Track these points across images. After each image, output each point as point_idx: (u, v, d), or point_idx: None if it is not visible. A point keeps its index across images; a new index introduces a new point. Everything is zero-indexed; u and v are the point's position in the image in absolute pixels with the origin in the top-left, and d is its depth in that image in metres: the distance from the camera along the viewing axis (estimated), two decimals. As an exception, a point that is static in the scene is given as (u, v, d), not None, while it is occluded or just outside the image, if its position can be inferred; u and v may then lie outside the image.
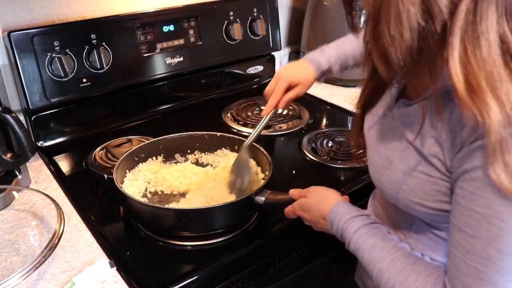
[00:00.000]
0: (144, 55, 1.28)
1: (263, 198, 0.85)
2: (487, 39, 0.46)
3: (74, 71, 1.16)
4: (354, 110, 0.81)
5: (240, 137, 1.06)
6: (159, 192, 0.96)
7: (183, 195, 0.96)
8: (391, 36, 0.49)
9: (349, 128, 1.33)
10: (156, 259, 0.83)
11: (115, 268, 0.78)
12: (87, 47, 1.17)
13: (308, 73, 1.00)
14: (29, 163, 1.04)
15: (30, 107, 1.14)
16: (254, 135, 0.99)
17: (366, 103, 0.76)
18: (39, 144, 1.18)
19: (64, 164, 1.13)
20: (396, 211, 0.71)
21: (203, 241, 0.85)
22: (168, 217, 0.85)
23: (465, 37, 0.46)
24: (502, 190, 0.47)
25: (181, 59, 1.35)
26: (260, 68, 1.57)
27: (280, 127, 1.31)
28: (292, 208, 0.82)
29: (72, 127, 1.23)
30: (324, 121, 1.39)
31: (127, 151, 0.99)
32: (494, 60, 0.46)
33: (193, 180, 0.99)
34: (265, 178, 0.93)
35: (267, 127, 1.29)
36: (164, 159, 1.06)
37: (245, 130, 1.28)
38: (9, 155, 0.94)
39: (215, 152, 1.08)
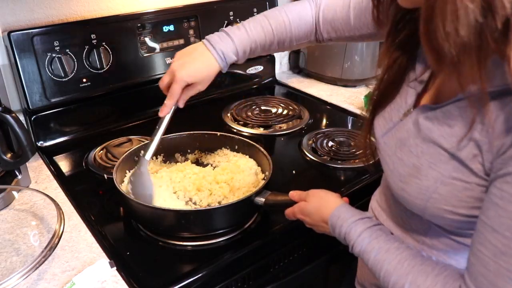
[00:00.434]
0: (144, 55, 1.28)
1: (263, 199, 0.85)
2: None
3: (74, 71, 1.16)
4: (364, 112, 0.79)
5: (240, 137, 1.06)
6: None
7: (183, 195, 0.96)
8: (446, 32, 0.48)
9: (349, 128, 1.33)
10: (156, 259, 0.83)
11: (115, 268, 0.78)
12: (87, 47, 1.17)
13: (211, 68, 0.85)
14: (29, 163, 1.04)
15: (30, 107, 1.14)
16: (155, 143, 0.89)
17: (379, 100, 0.73)
18: (39, 144, 1.19)
19: (64, 164, 1.13)
20: (409, 218, 0.70)
21: (203, 241, 0.85)
22: (168, 217, 0.85)
23: None
24: None
25: (181, 59, 1.35)
26: (260, 68, 1.57)
27: (280, 127, 1.31)
28: (293, 212, 0.82)
29: (72, 127, 1.23)
30: (324, 121, 1.39)
31: (127, 151, 0.99)
32: None
33: (193, 180, 0.99)
34: (265, 178, 0.93)
35: (267, 127, 1.30)
36: (164, 159, 1.06)
37: (245, 130, 1.28)
38: (9, 155, 0.94)
39: (215, 152, 1.08)
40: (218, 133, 1.07)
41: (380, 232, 0.68)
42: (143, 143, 1.03)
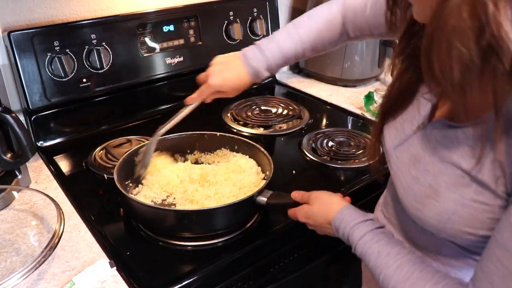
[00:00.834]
0: (144, 55, 1.28)
1: (265, 199, 0.85)
2: None
3: (74, 71, 1.16)
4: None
5: (240, 137, 1.06)
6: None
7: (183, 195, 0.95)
8: (441, 69, 0.47)
9: (349, 128, 1.33)
10: (156, 259, 0.83)
11: (115, 268, 0.78)
12: (87, 47, 1.17)
13: (241, 82, 0.91)
14: (29, 163, 1.04)
15: (30, 107, 1.14)
16: (172, 123, 0.93)
17: (389, 108, 0.70)
18: (39, 144, 1.18)
19: (64, 164, 1.13)
20: (421, 233, 0.67)
21: (204, 241, 0.85)
22: (169, 217, 0.85)
23: None
24: None
25: (181, 59, 1.35)
26: (260, 68, 1.57)
27: (280, 127, 1.31)
28: (295, 214, 0.82)
29: (72, 127, 1.23)
30: (324, 121, 1.39)
31: (127, 151, 0.99)
32: None
33: (193, 179, 0.98)
34: (266, 178, 0.93)
35: (267, 127, 1.30)
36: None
37: (245, 130, 1.28)
38: (9, 155, 0.94)
39: (214, 152, 1.08)
40: (218, 133, 1.07)
41: (382, 235, 0.68)
42: (143, 143, 1.03)
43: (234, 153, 1.05)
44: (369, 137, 1.20)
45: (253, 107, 1.41)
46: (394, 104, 0.69)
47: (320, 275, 1.07)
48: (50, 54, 1.12)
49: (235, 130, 1.28)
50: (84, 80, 1.18)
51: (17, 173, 1.00)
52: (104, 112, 1.28)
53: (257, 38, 1.48)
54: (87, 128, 1.25)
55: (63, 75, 1.14)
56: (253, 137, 1.22)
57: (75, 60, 1.15)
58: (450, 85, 0.47)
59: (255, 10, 1.46)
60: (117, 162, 0.96)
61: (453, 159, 0.57)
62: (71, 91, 1.18)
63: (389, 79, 1.72)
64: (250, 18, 1.45)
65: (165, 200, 0.93)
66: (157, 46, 1.30)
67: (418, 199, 0.61)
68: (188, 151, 1.08)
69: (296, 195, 0.83)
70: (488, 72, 0.45)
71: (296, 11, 1.71)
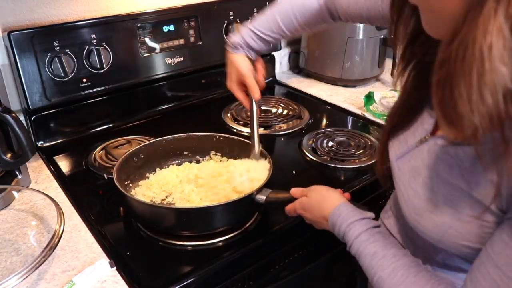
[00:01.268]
0: (144, 55, 1.28)
1: (264, 197, 0.85)
2: None
3: (74, 71, 1.16)
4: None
5: (240, 138, 1.06)
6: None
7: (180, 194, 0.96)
8: (470, 100, 0.41)
9: (349, 128, 1.33)
10: (156, 259, 0.83)
11: (115, 268, 0.78)
12: (87, 47, 1.17)
13: (242, 64, 0.96)
14: (29, 163, 1.04)
15: (30, 107, 1.14)
16: (256, 135, 0.98)
17: (394, 125, 0.70)
18: (39, 144, 1.19)
19: (64, 164, 1.13)
20: (421, 239, 0.66)
21: (203, 241, 0.85)
22: (168, 216, 0.85)
23: None
24: None
25: (181, 59, 1.35)
26: (260, 68, 1.57)
27: (280, 127, 1.31)
28: (293, 207, 0.82)
29: (72, 127, 1.23)
30: (324, 121, 1.39)
31: (126, 152, 0.99)
32: None
33: (192, 179, 0.99)
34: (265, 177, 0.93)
35: (267, 127, 1.30)
36: (163, 161, 1.06)
37: (245, 130, 1.27)
38: (9, 155, 0.94)
39: (212, 153, 1.08)
40: (217, 135, 1.07)
41: (378, 235, 0.67)
42: (142, 144, 1.03)
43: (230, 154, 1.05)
44: (369, 137, 1.21)
45: (253, 107, 1.40)
46: (401, 116, 0.70)
47: (321, 275, 1.07)
48: (50, 54, 1.12)
49: (235, 130, 1.28)
50: (84, 80, 1.18)
51: (17, 173, 1.00)
52: (104, 112, 1.28)
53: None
54: (87, 128, 1.25)
55: (63, 75, 1.14)
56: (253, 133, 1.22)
57: (75, 60, 1.15)
58: (477, 119, 0.42)
59: (255, 10, 1.46)
60: (116, 162, 0.96)
61: (450, 175, 0.57)
62: (71, 91, 1.18)
63: (388, 78, 1.72)
64: (250, 18, 1.45)
65: (164, 199, 0.93)
66: (157, 46, 1.30)
67: (417, 211, 0.62)
68: (188, 152, 1.08)
69: (295, 191, 0.83)
70: None
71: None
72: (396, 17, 0.61)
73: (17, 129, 0.89)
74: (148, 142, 1.05)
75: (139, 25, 1.25)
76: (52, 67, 1.13)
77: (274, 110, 1.39)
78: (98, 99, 1.24)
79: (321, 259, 1.02)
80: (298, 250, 0.96)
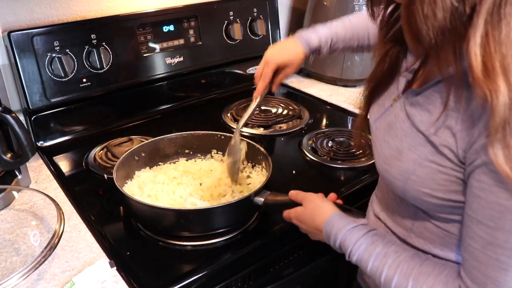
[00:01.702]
0: (144, 55, 1.28)
1: (262, 199, 0.85)
2: (508, 23, 0.47)
3: (74, 71, 1.16)
4: (361, 98, 0.80)
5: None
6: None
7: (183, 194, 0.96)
8: (424, 15, 0.50)
9: (349, 128, 1.33)
10: (156, 259, 0.83)
11: (115, 268, 0.78)
12: (87, 47, 1.17)
13: (297, 52, 0.98)
14: (29, 163, 1.04)
15: (30, 107, 1.14)
16: (246, 117, 0.98)
17: (373, 90, 0.76)
18: (39, 144, 1.19)
19: (64, 164, 1.13)
20: (398, 204, 0.72)
21: (203, 241, 0.85)
22: (168, 217, 0.85)
23: (488, 19, 0.47)
24: (498, 172, 0.49)
25: (181, 59, 1.35)
26: (260, 68, 1.57)
27: (280, 127, 1.31)
28: (289, 216, 0.83)
29: (72, 127, 1.23)
30: (324, 121, 1.39)
31: (128, 150, 0.99)
32: (511, 44, 0.47)
33: (192, 179, 0.99)
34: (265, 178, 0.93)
35: (267, 127, 1.30)
36: (163, 160, 1.06)
37: (245, 130, 1.27)
38: (9, 155, 0.94)
39: (213, 152, 1.08)
40: (219, 134, 1.07)
41: (376, 237, 0.68)
42: (143, 143, 1.03)
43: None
44: (369, 137, 1.20)
45: (253, 107, 1.40)
46: (377, 87, 0.75)
47: (321, 275, 1.07)
48: (50, 54, 1.12)
49: (235, 130, 1.27)
50: (84, 80, 1.18)
51: (17, 173, 1.00)
52: (104, 112, 1.28)
53: (257, 38, 1.48)
54: (87, 128, 1.25)
55: (63, 75, 1.14)
56: (253, 137, 1.22)
57: (75, 60, 1.15)
58: (431, 32, 0.51)
59: (255, 10, 1.46)
60: (117, 161, 0.96)
61: (414, 122, 0.62)
62: (71, 91, 1.18)
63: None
64: (250, 18, 1.45)
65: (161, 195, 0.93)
66: (157, 46, 1.30)
67: (386, 160, 0.67)
68: (189, 151, 1.08)
69: (293, 193, 0.83)
70: (457, 18, 0.50)
71: (296, 11, 1.71)
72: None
73: (17, 129, 0.89)
74: (149, 141, 1.05)
75: (139, 25, 1.25)
76: (52, 67, 1.13)
77: (274, 110, 1.39)
78: (98, 99, 1.24)
79: (321, 259, 1.02)
80: (298, 250, 0.96)
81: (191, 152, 1.08)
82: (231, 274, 0.85)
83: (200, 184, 0.97)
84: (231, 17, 1.41)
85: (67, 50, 1.14)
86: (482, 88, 0.48)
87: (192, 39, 1.36)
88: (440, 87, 0.59)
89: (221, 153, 1.07)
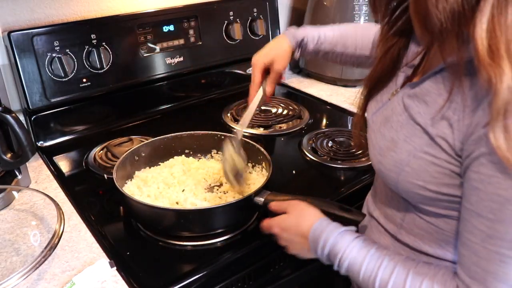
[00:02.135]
0: (144, 55, 1.28)
1: (262, 199, 0.85)
2: None
3: (74, 71, 1.16)
4: (360, 97, 0.79)
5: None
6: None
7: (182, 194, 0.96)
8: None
9: (349, 128, 1.33)
10: (156, 259, 0.83)
11: (115, 268, 0.78)
12: (87, 47, 1.17)
13: (282, 45, 0.96)
14: (29, 163, 1.04)
15: (30, 107, 1.14)
16: (245, 125, 0.96)
17: (373, 87, 0.76)
18: (39, 144, 1.19)
19: (64, 164, 1.13)
20: (390, 200, 0.72)
21: (203, 241, 0.85)
22: (168, 217, 0.85)
23: (495, 3, 0.48)
24: (498, 162, 0.49)
25: (181, 59, 1.35)
26: (260, 68, 1.57)
27: (280, 127, 1.31)
28: (269, 224, 0.79)
29: (72, 127, 1.23)
30: (324, 121, 1.39)
31: (128, 150, 0.99)
32: None
33: (192, 179, 0.99)
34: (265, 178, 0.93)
35: (267, 127, 1.30)
36: (162, 159, 1.06)
37: (245, 130, 1.27)
38: (9, 155, 0.94)
39: (213, 152, 1.08)
40: (219, 134, 1.07)
41: (368, 241, 0.67)
42: (143, 143, 1.03)
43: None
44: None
45: (253, 107, 1.40)
46: (378, 81, 0.75)
47: (321, 276, 1.07)
48: (50, 54, 1.12)
49: (235, 130, 1.27)
50: (84, 80, 1.18)
51: (17, 173, 1.00)
52: (104, 112, 1.28)
53: (257, 38, 1.48)
54: (87, 128, 1.25)
55: (63, 75, 1.14)
56: (253, 137, 1.22)
57: (75, 60, 1.15)
58: (442, 16, 0.51)
59: (255, 10, 1.46)
60: (117, 161, 0.96)
61: (411, 114, 0.63)
62: (71, 91, 1.18)
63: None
64: (250, 18, 1.45)
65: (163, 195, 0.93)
66: (157, 46, 1.30)
67: (381, 151, 0.67)
68: (189, 150, 1.08)
69: (273, 204, 0.81)
70: (466, 2, 0.50)
71: (296, 11, 1.71)
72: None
73: (17, 129, 0.89)
74: (149, 141, 1.05)
75: (139, 25, 1.25)
76: (52, 67, 1.13)
77: (274, 110, 1.39)
78: (98, 99, 1.24)
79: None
80: (298, 250, 0.96)
81: (191, 152, 1.08)
82: (231, 274, 0.85)
83: (200, 184, 0.97)
84: (231, 17, 1.41)
85: (67, 50, 1.14)
86: (487, 71, 0.48)
87: (192, 39, 1.36)
88: (438, 78, 0.60)
89: (221, 153, 1.07)
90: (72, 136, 1.23)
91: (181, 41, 1.34)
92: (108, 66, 1.21)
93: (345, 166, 1.10)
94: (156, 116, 1.36)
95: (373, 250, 0.65)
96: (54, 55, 1.12)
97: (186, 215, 0.84)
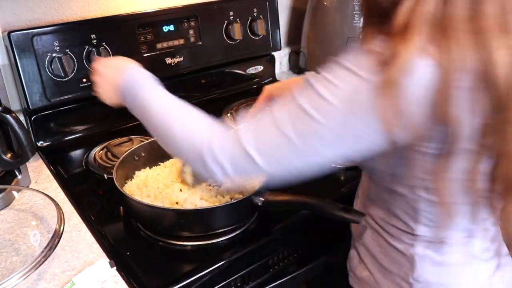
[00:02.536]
0: (144, 55, 1.28)
1: (262, 199, 0.85)
2: None
3: (74, 71, 1.16)
4: None
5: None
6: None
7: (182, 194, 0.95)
8: None
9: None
10: (156, 259, 0.83)
11: (115, 268, 0.78)
12: (87, 47, 1.17)
13: (296, 79, 0.98)
14: (29, 163, 1.04)
15: (30, 107, 1.14)
16: None
17: None
18: (39, 144, 1.18)
19: (64, 164, 1.13)
20: (363, 177, 0.81)
21: (203, 241, 0.85)
22: (168, 217, 0.85)
23: None
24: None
25: (181, 59, 1.35)
26: (260, 68, 1.57)
27: (280, 127, 1.31)
28: (98, 62, 0.84)
29: (72, 127, 1.23)
30: (324, 121, 1.39)
31: (128, 150, 0.99)
32: None
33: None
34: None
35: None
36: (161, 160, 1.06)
37: (245, 130, 1.27)
38: (9, 155, 0.94)
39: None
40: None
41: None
42: (143, 143, 1.03)
43: None
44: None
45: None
46: None
47: (320, 275, 1.07)
48: (50, 54, 1.12)
49: (235, 130, 1.27)
50: (84, 80, 1.18)
51: (17, 173, 1.00)
52: (104, 112, 1.28)
53: (257, 38, 1.48)
54: (87, 128, 1.25)
55: (63, 75, 1.14)
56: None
57: (75, 60, 1.15)
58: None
59: (255, 10, 1.46)
60: (117, 161, 0.96)
61: None
62: (71, 91, 1.18)
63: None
64: (250, 18, 1.45)
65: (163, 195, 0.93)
66: (157, 46, 1.30)
67: None
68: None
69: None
70: None
71: (296, 11, 1.71)
72: None
73: (17, 129, 0.89)
74: (149, 141, 1.05)
75: (139, 25, 1.25)
76: (52, 67, 1.13)
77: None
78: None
79: (320, 259, 1.02)
80: (297, 250, 0.96)
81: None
82: (231, 274, 0.85)
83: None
84: (231, 17, 1.41)
85: (67, 50, 1.14)
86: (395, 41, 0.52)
87: (192, 39, 1.36)
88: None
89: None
90: (72, 136, 1.23)
91: (181, 41, 1.34)
92: (108, 66, 1.20)
93: (345, 166, 1.10)
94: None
95: (164, 91, 0.75)
96: (54, 55, 1.12)
97: (186, 215, 0.84)
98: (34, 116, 1.16)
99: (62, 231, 0.79)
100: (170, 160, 1.06)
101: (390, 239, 0.74)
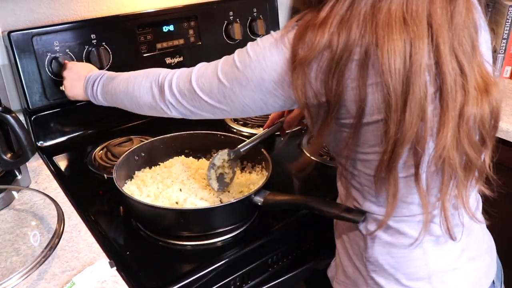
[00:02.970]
0: (144, 55, 1.28)
1: (262, 199, 0.85)
2: None
3: (74, 71, 1.16)
4: None
5: (239, 137, 1.06)
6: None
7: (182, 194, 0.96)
8: None
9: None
10: (156, 259, 0.83)
11: (115, 268, 0.78)
12: (87, 47, 1.17)
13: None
14: (29, 163, 1.04)
15: (30, 107, 1.14)
16: (251, 143, 0.99)
17: None
18: (39, 144, 1.19)
19: (64, 164, 1.13)
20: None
21: (203, 240, 0.85)
22: (168, 217, 0.85)
23: None
24: None
25: (181, 59, 1.35)
26: (260, 68, 1.57)
27: (280, 127, 1.31)
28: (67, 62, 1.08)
29: (72, 127, 1.23)
30: (324, 121, 1.39)
31: (128, 150, 0.99)
32: None
33: (192, 179, 0.99)
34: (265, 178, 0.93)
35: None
36: (161, 160, 1.06)
37: (245, 130, 1.28)
38: (9, 155, 0.94)
39: (213, 151, 1.08)
40: (219, 134, 1.07)
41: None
42: (143, 143, 1.03)
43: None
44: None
45: (253, 107, 1.40)
46: None
47: (320, 275, 1.07)
48: (50, 54, 1.12)
49: (235, 130, 1.28)
50: (84, 80, 1.18)
51: (17, 173, 1.00)
52: (104, 112, 1.27)
53: (257, 38, 1.47)
54: (87, 128, 1.25)
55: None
56: (253, 137, 1.22)
57: (75, 60, 1.15)
58: None
59: (255, 10, 1.46)
60: (117, 161, 0.96)
61: None
62: (71, 91, 1.17)
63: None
64: (250, 18, 1.45)
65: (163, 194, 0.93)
66: (157, 46, 1.30)
67: None
68: (186, 151, 1.08)
69: None
70: None
71: (296, 11, 1.71)
72: None
73: (17, 129, 0.89)
74: (149, 140, 1.05)
75: (139, 25, 1.25)
76: (52, 67, 1.13)
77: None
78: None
79: (319, 259, 1.02)
80: (297, 250, 0.96)
81: (191, 152, 1.08)
82: (231, 273, 0.85)
83: (200, 184, 0.97)
84: (231, 17, 1.41)
85: (67, 50, 1.14)
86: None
87: (192, 39, 1.36)
88: None
89: (215, 153, 1.07)
90: (72, 136, 1.23)
91: (181, 41, 1.34)
92: (108, 66, 1.21)
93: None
94: (156, 116, 1.36)
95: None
96: (54, 55, 1.12)
97: (186, 215, 0.84)
98: (34, 116, 1.16)
99: (62, 231, 0.79)
100: (170, 160, 1.06)
101: None
